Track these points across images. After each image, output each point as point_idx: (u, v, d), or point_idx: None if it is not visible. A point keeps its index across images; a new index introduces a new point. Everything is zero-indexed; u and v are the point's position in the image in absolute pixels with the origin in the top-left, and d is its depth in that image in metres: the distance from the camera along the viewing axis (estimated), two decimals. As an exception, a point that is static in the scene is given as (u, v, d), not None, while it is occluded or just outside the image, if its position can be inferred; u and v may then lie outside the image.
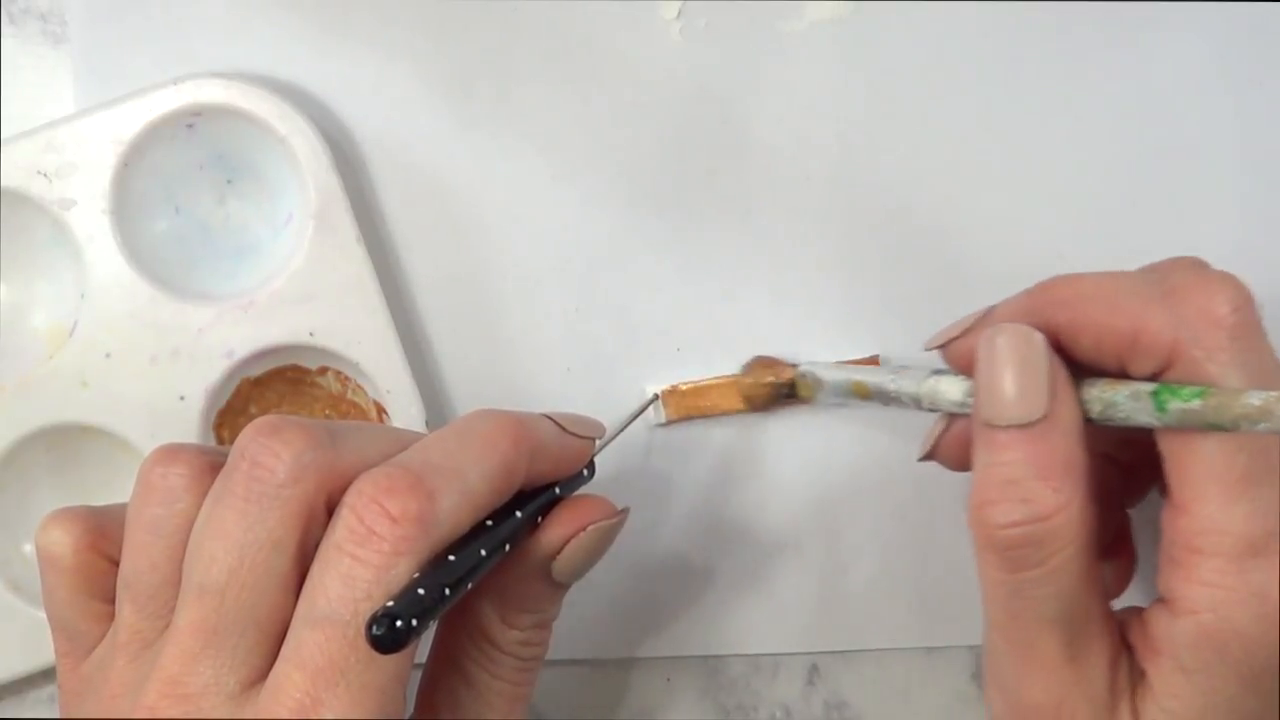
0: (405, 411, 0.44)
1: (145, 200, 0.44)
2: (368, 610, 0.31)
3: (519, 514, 0.36)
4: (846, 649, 0.48)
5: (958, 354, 0.38)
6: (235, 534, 0.33)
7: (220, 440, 0.45)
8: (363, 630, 0.31)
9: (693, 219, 0.46)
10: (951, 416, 0.39)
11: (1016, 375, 0.34)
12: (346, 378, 0.45)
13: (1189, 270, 0.35)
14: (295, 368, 0.45)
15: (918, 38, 0.46)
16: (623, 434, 0.43)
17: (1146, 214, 0.46)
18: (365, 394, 0.45)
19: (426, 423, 0.44)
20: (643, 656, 0.47)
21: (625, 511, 0.39)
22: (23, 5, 0.45)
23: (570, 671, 0.47)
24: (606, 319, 0.46)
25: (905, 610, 0.47)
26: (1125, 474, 0.41)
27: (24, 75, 0.46)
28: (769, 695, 0.48)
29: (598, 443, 0.40)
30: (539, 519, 0.38)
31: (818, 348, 0.46)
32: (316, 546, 0.34)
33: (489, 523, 0.35)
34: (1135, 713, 0.34)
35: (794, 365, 0.45)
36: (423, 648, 0.39)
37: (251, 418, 0.43)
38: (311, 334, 0.44)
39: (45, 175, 0.43)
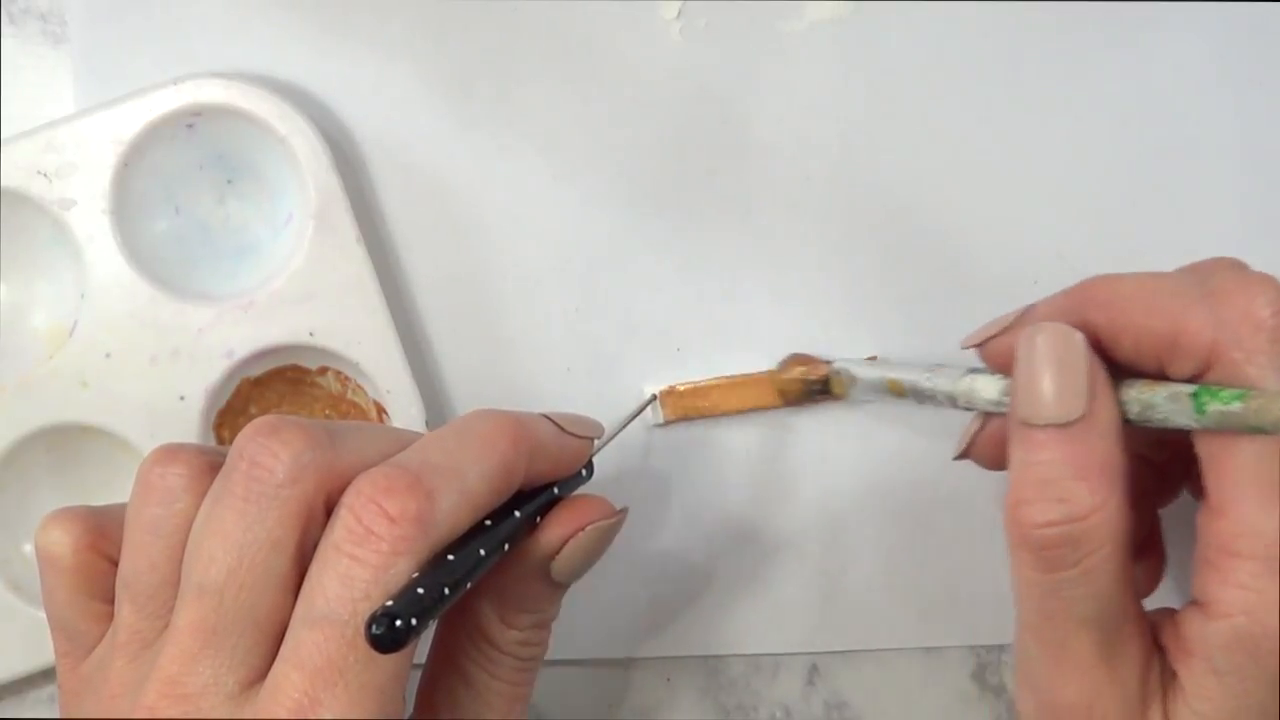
0: (405, 411, 0.44)
1: (145, 200, 0.44)
2: (366, 610, 0.31)
3: (518, 514, 0.36)
4: (846, 649, 0.47)
5: (995, 352, 0.37)
6: (234, 534, 0.33)
7: (220, 440, 0.44)
8: (361, 630, 0.31)
9: (693, 219, 0.46)
10: (987, 415, 0.39)
11: (1055, 374, 0.34)
12: (346, 378, 0.45)
13: (1229, 272, 0.35)
14: (295, 368, 0.45)
15: (918, 38, 0.46)
16: (622, 434, 0.43)
17: (1146, 214, 0.46)
18: (365, 394, 0.45)
19: (426, 423, 0.44)
20: (643, 656, 0.47)
21: (624, 511, 0.39)
22: (23, 5, 0.45)
23: (570, 671, 0.47)
24: (606, 319, 0.46)
25: (905, 610, 0.47)
26: (1157, 474, 0.40)
27: (24, 75, 0.45)
28: (769, 695, 0.48)
29: (596, 443, 0.40)
30: (538, 519, 0.38)
31: (818, 347, 0.46)
32: (316, 546, 0.33)
33: (488, 523, 0.35)
34: (1166, 714, 0.34)
35: (828, 362, 0.44)
36: (422, 647, 0.39)
37: (251, 418, 0.43)
38: (311, 334, 0.44)
39: (45, 175, 0.43)
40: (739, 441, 0.46)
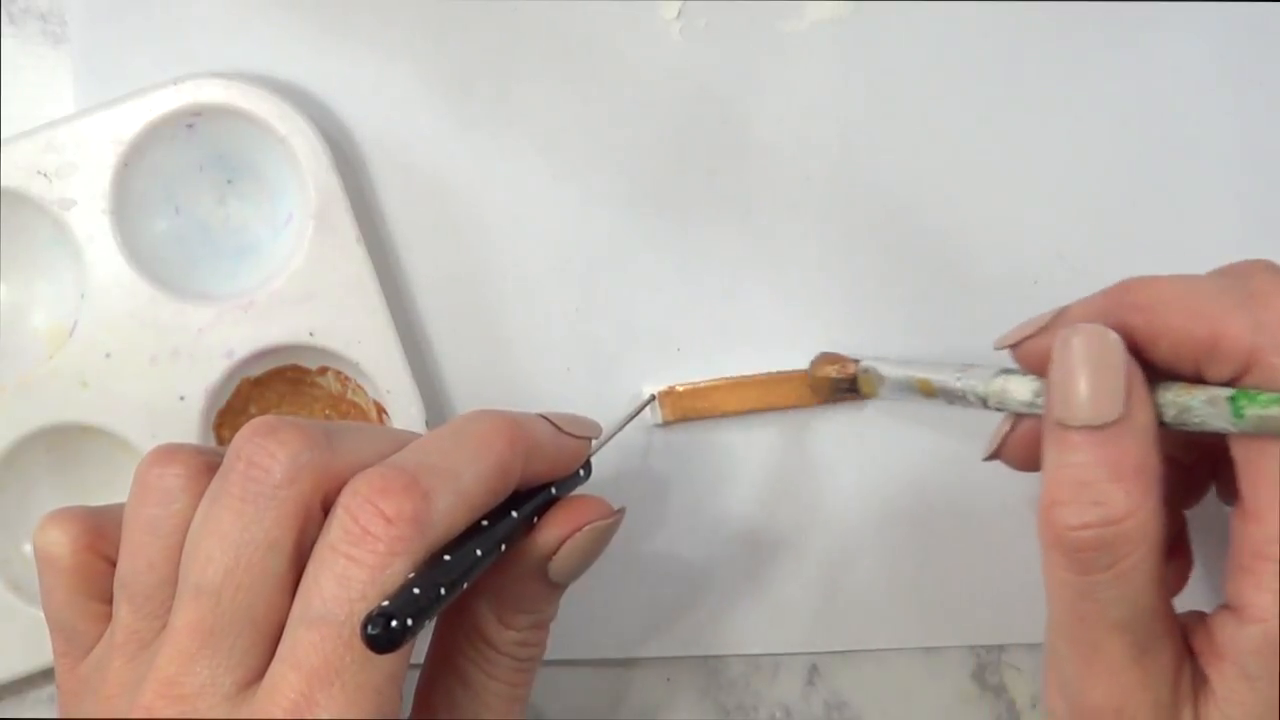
0: (405, 411, 0.44)
1: (145, 200, 0.44)
2: (363, 610, 0.31)
3: (515, 514, 0.36)
4: (846, 649, 0.47)
5: (1029, 353, 0.37)
6: (231, 534, 0.33)
7: (220, 440, 0.44)
8: (358, 630, 0.31)
9: (693, 219, 0.46)
10: (1018, 416, 0.38)
11: (1092, 376, 0.33)
12: (346, 378, 0.45)
13: (1268, 274, 0.35)
14: (295, 368, 0.45)
15: (918, 38, 0.45)
16: (622, 434, 0.43)
17: (1146, 214, 0.46)
18: (365, 394, 0.45)
19: (426, 423, 0.44)
20: (643, 656, 0.47)
21: (621, 511, 0.39)
22: (23, 5, 0.45)
23: (570, 671, 0.47)
24: (606, 319, 0.46)
25: (905, 610, 0.47)
26: (1185, 475, 0.40)
27: (24, 75, 0.45)
28: (769, 695, 0.47)
29: (594, 443, 0.40)
30: (535, 519, 0.37)
31: (818, 347, 0.46)
32: (313, 546, 0.33)
33: (485, 523, 0.35)
34: (1197, 718, 0.34)
35: (857, 361, 0.44)
36: (420, 647, 0.38)
37: (251, 418, 0.43)
38: (311, 334, 0.43)
39: (45, 175, 0.43)
40: (739, 442, 0.46)
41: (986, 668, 0.48)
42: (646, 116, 0.45)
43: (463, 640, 0.37)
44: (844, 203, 0.46)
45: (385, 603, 0.31)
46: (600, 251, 0.46)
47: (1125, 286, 0.35)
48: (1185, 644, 0.35)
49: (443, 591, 0.32)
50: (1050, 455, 0.34)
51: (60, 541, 0.36)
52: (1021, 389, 0.37)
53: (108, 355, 0.43)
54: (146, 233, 0.44)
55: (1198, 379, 0.34)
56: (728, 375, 0.45)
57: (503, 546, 0.35)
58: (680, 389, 0.45)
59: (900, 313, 0.46)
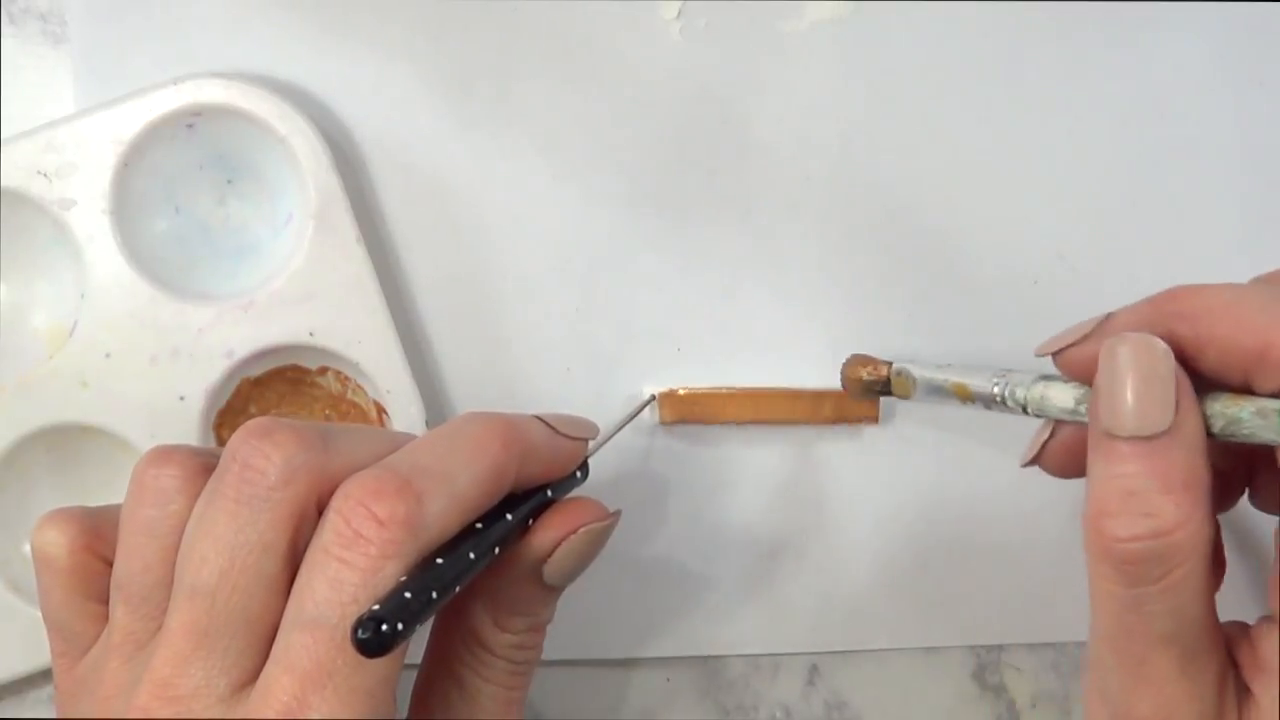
0: (405, 411, 0.43)
1: (145, 200, 0.43)
2: (354, 613, 0.31)
3: (509, 516, 0.36)
4: (846, 649, 0.47)
5: (1072, 361, 0.36)
6: (226, 536, 0.32)
7: (220, 440, 0.44)
8: (349, 633, 0.30)
9: (693, 219, 0.45)
10: (1058, 423, 0.38)
11: (1141, 386, 0.33)
12: (346, 378, 0.44)
13: None
14: (295, 368, 0.44)
15: (918, 38, 0.45)
16: (622, 436, 0.43)
17: (1146, 214, 0.46)
18: (365, 394, 0.44)
19: (426, 423, 0.43)
20: (643, 656, 0.47)
21: (617, 514, 0.38)
22: (23, 5, 0.45)
23: (570, 671, 0.47)
24: (606, 319, 0.45)
25: (905, 610, 0.47)
26: (1221, 481, 0.39)
27: (24, 75, 0.45)
28: (769, 695, 0.47)
29: (592, 444, 0.39)
30: (530, 521, 0.37)
31: (819, 347, 0.45)
32: (307, 548, 0.33)
33: (479, 525, 0.34)
34: None
35: (888, 363, 0.43)
36: (418, 648, 0.38)
37: (251, 418, 0.43)
38: (311, 334, 0.43)
39: (45, 175, 0.42)
40: (740, 444, 0.46)
41: (986, 668, 0.47)
42: (646, 116, 0.45)
43: (458, 643, 0.37)
44: (844, 203, 0.45)
45: (376, 607, 0.30)
46: (600, 251, 0.45)
47: (1171, 295, 0.34)
48: (1229, 655, 0.34)
49: (435, 595, 0.31)
50: (1097, 465, 0.33)
51: (57, 542, 0.36)
52: (1063, 396, 0.36)
53: (108, 355, 0.43)
54: (146, 233, 0.43)
55: (1245, 389, 0.33)
56: (730, 383, 0.45)
57: (497, 549, 0.35)
58: (682, 393, 0.45)
59: (900, 312, 0.45)
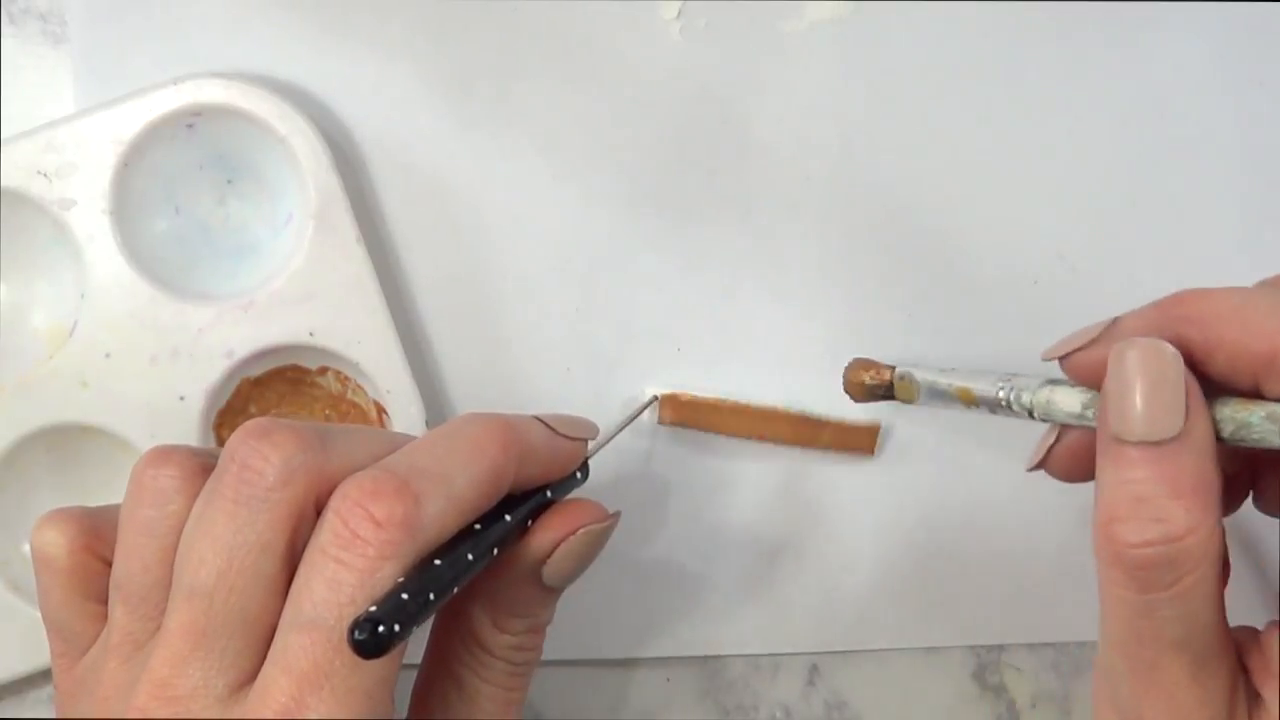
0: (405, 411, 0.43)
1: (145, 200, 0.43)
2: (352, 614, 0.30)
3: (508, 518, 0.35)
4: (846, 649, 0.47)
5: (1080, 365, 0.36)
6: (224, 536, 0.32)
7: (220, 440, 0.44)
8: (346, 635, 0.30)
9: (693, 219, 0.45)
10: (1064, 427, 0.37)
11: (1151, 391, 0.32)
12: (346, 378, 0.44)
13: None
14: (295, 368, 0.44)
15: (918, 38, 0.45)
16: (622, 437, 0.42)
17: (1146, 214, 0.46)
18: (365, 394, 0.44)
19: (426, 423, 0.43)
20: (643, 656, 0.46)
21: (616, 515, 0.38)
22: (23, 5, 0.44)
23: (570, 671, 0.46)
24: (606, 319, 0.45)
25: (905, 610, 0.46)
26: (1226, 485, 0.39)
27: (24, 75, 0.44)
28: (769, 695, 0.47)
29: (593, 444, 0.39)
30: (529, 522, 0.37)
31: (819, 347, 0.45)
32: (305, 549, 0.33)
33: (477, 527, 0.34)
34: None
35: (891, 367, 0.43)
36: (418, 649, 0.38)
37: (251, 418, 0.42)
38: (311, 334, 0.43)
39: (45, 175, 0.42)
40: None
41: (986, 668, 0.47)
42: (646, 116, 0.45)
43: (458, 644, 0.37)
44: (844, 203, 0.45)
45: (373, 608, 0.30)
46: (600, 251, 0.45)
47: (1178, 299, 0.34)
48: (1239, 660, 0.34)
49: (432, 597, 0.31)
50: (1106, 471, 0.33)
51: (57, 542, 0.36)
52: (1070, 401, 0.36)
53: (108, 355, 0.42)
54: (146, 233, 0.43)
55: (1254, 393, 0.33)
56: (731, 384, 0.45)
57: (495, 550, 0.35)
58: (684, 398, 0.45)
59: (900, 312, 0.45)
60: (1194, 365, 0.33)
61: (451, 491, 0.33)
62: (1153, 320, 0.34)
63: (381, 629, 0.29)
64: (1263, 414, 0.32)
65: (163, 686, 0.32)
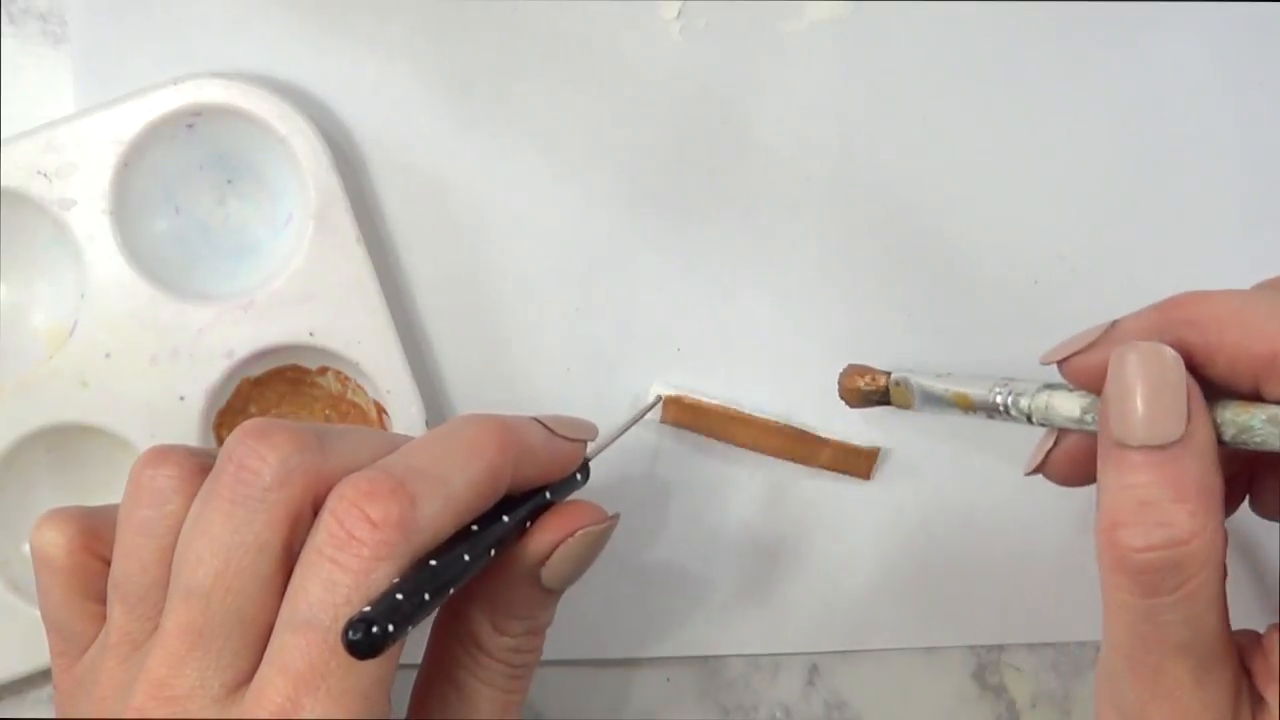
0: (405, 411, 0.43)
1: (145, 200, 0.43)
2: (347, 615, 0.30)
3: (505, 519, 0.35)
4: (846, 649, 0.46)
5: (1079, 369, 0.35)
6: (221, 537, 0.32)
7: (220, 441, 0.43)
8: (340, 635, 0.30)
9: (693, 219, 0.45)
10: (1061, 431, 0.37)
11: (1152, 395, 0.32)
12: (346, 378, 0.44)
13: None
14: (295, 368, 0.44)
15: (918, 38, 0.44)
16: (624, 437, 0.42)
17: (1146, 214, 0.45)
18: (365, 394, 0.44)
19: (426, 422, 0.43)
20: (643, 656, 0.46)
21: (616, 517, 0.38)
22: (23, 5, 0.44)
23: (570, 671, 0.46)
24: (606, 319, 0.45)
25: (905, 610, 0.46)
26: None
27: (24, 75, 0.44)
28: (769, 695, 0.46)
29: (595, 444, 0.39)
30: (529, 524, 0.36)
31: (819, 347, 0.45)
32: (302, 549, 0.32)
33: (474, 528, 0.34)
34: None
35: (887, 373, 0.42)
36: (418, 650, 0.38)
37: (251, 418, 0.42)
38: (311, 334, 0.42)
39: (45, 175, 0.42)
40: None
41: (986, 668, 0.47)
42: (646, 116, 0.44)
43: (456, 646, 0.37)
44: (844, 203, 0.45)
45: (367, 608, 0.30)
46: (600, 251, 0.45)
47: (1178, 302, 0.34)
48: (1241, 664, 0.33)
49: (427, 597, 0.31)
50: (1108, 475, 0.32)
51: (56, 542, 0.36)
52: (1068, 405, 0.35)
53: (108, 355, 0.42)
54: (146, 233, 0.43)
55: (1254, 396, 0.33)
56: (731, 384, 0.45)
57: (493, 551, 0.34)
58: (687, 401, 0.44)
59: (900, 312, 0.45)
60: (1194, 368, 0.33)
61: (448, 492, 0.33)
62: (1152, 323, 0.34)
63: (375, 629, 0.29)
64: (1264, 417, 0.32)
65: (160, 686, 0.32)
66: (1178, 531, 0.31)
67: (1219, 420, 0.33)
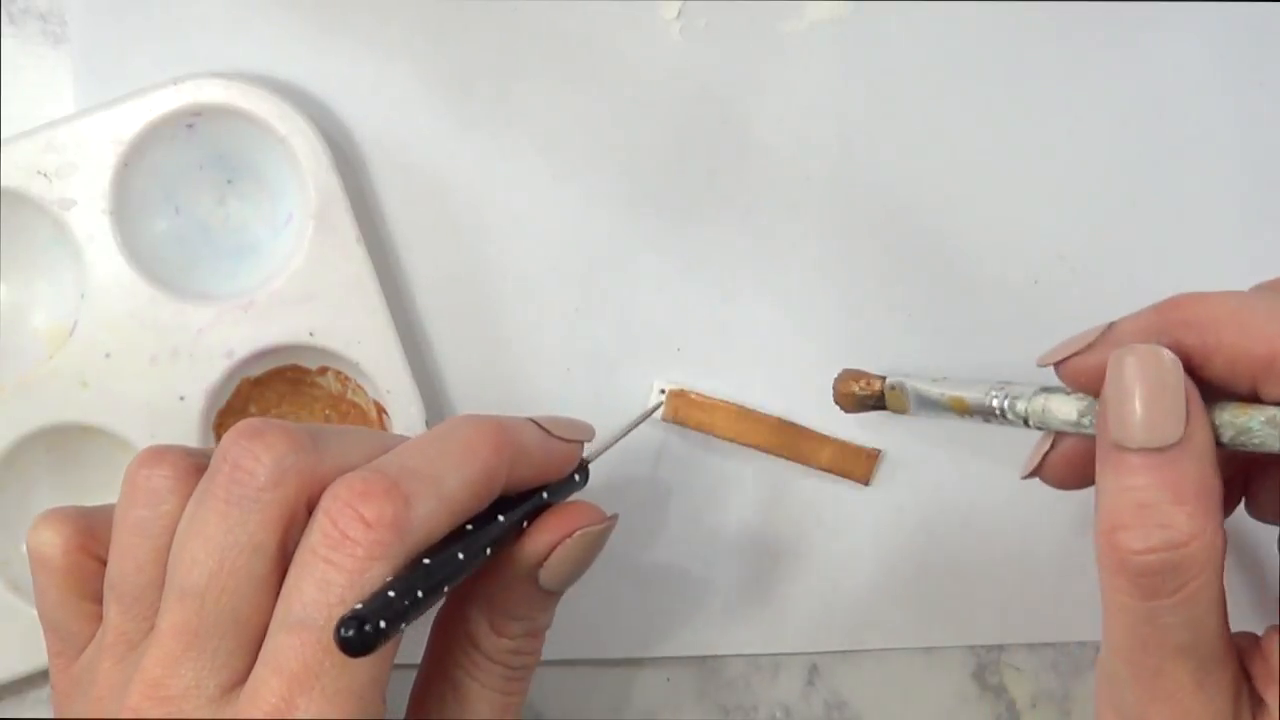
0: (405, 411, 0.42)
1: (145, 200, 0.42)
2: (341, 615, 0.30)
3: (501, 518, 0.35)
4: (846, 649, 0.46)
5: (1076, 370, 0.35)
6: (216, 537, 0.32)
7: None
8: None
9: (693, 219, 0.44)
10: (1058, 434, 0.37)
11: (1151, 397, 0.32)
12: (346, 378, 0.43)
13: None
14: (295, 368, 0.43)
15: (918, 38, 0.44)
16: (625, 438, 0.42)
17: (1146, 214, 0.45)
18: (365, 394, 0.43)
19: (426, 423, 0.43)
20: (643, 656, 0.46)
21: (614, 518, 0.37)
22: (23, 5, 0.44)
23: (570, 671, 0.46)
24: (606, 319, 0.44)
25: (905, 610, 0.46)
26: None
27: (24, 75, 0.44)
28: (769, 695, 0.46)
29: (597, 444, 0.38)
30: (525, 524, 0.36)
31: (818, 347, 0.44)
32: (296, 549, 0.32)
33: (469, 528, 0.33)
34: None
35: (882, 378, 0.42)
36: (418, 651, 0.37)
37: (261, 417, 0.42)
38: (311, 334, 0.42)
39: (45, 175, 0.41)
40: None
41: (986, 668, 0.46)
42: (646, 116, 0.44)
43: (455, 647, 0.36)
44: (844, 203, 0.44)
45: (359, 606, 0.30)
46: (600, 251, 0.44)
47: (1176, 303, 0.33)
48: (1241, 665, 0.33)
49: (420, 594, 0.31)
50: (1107, 478, 0.32)
51: (52, 542, 0.35)
52: (1065, 408, 0.35)
53: (108, 355, 0.42)
54: (146, 233, 0.42)
55: (1252, 398, 0.32)
56: (731, 384, 0.44)
57: (488, 551, 0.34)
58: (692, 395, 0.44)
59: (900, 312, 0.44)
60: (1192, 370, 0.32)
61: (442, 492, 0.32)
62: (1150, 324, 0.34)
63: (368, 626, 0.29)
64: (1262, 418, 0.32)
65: (155, 687, 0.31)
66: (1177, 534, 0.31)
67: (1217, 422, 0.32)
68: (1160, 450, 0.31)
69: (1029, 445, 0.38)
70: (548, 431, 0.36)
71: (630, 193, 0.44)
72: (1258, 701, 0.33)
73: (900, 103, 0.44)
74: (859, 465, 0.44)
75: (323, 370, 0.43)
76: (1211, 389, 0.33)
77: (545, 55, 0.43)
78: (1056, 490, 0.37)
